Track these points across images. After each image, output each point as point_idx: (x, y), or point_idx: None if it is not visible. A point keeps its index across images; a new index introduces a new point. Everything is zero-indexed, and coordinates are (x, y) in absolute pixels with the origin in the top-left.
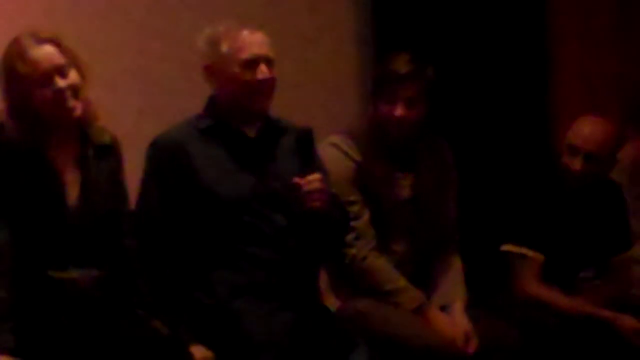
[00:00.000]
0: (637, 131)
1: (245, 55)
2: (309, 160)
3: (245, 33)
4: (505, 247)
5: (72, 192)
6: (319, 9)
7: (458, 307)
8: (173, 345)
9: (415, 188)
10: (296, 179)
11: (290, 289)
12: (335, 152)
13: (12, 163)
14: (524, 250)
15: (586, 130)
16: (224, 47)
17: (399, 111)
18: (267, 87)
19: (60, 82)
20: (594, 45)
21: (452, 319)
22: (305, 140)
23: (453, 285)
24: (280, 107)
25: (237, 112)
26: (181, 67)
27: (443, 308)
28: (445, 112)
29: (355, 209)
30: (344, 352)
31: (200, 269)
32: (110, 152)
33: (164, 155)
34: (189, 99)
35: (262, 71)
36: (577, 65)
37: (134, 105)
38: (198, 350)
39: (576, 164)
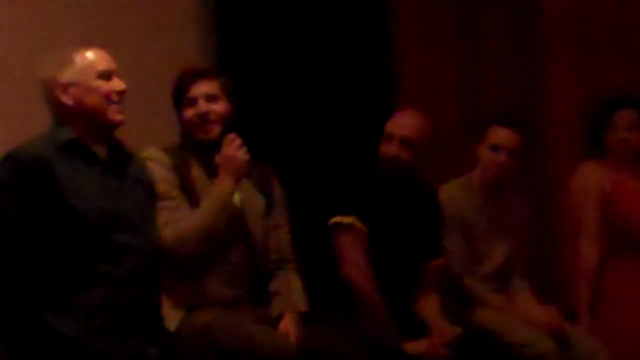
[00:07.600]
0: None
1: (101, 67)
2: None
3: (92, 50)
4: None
5: None
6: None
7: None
8: None
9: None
10: None
11: (140, 313)
12: (155, 165)
13: None
14: (347, 220)
15: (403, 119)
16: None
17: (201, 107)
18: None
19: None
20: (437, 55)
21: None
22: None
23: (290, 295)
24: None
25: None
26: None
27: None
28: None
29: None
30: None
31: (58, 293)
32: None
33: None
34: None
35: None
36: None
37: None
38: None
39: (392, 149)
